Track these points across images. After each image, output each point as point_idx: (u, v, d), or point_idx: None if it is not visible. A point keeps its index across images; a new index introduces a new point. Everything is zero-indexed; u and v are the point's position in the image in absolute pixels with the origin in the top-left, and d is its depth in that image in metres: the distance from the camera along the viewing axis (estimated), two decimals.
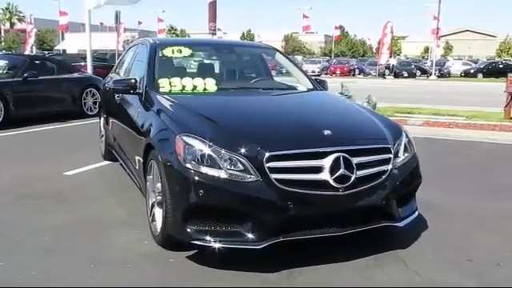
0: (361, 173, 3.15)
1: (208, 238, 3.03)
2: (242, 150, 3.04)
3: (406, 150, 3.57)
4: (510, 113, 10.87)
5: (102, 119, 6.20)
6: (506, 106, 10.96)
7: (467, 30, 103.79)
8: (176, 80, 4.24)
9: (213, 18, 30.16)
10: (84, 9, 12.62)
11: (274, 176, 2.98)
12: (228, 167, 3.02)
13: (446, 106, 14.01)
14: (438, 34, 39.46)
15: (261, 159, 3.00)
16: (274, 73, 5.82)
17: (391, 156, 3.35)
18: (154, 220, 3.56)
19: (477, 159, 6.91)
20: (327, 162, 3.05)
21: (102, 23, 57.73)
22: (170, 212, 3.16)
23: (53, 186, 5.02)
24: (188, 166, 3.06)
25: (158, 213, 3.45)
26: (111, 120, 5.53)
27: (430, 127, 9.50)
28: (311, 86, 4.79)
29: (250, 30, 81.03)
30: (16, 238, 3.62)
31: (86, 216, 4.15)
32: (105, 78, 6.65)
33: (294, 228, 3.09)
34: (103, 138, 6.18)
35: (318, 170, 3.06)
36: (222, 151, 3.05)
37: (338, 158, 3.07)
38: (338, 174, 3.05)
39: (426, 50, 79.25)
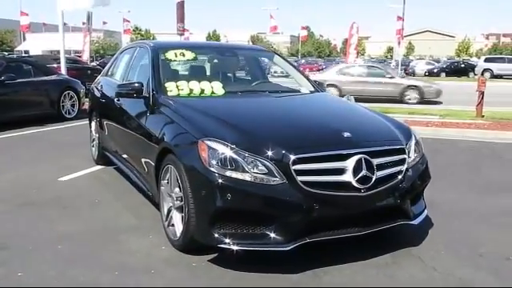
0: (380, 173, 3.24)
1: (234, 241, 3.04)
2: (266, 153, 3.07)
3: (415, 150, 3.68)
4: (482, 111, 11.31)
5: (94, 123, 6.07)
6: (478, 104, 11.38)
7: (427, 31, 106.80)
8: (183, 83, 4.21)
9: (181, 18, 29.84)
10: (57, 9, 12.27)
11: (300, 178, 3.03)
12: (253, 170, 3.05)
13: (418, 106, 14.43)
14: (402, 34, 40.38)
15: (286, 162, 3.04)
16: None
17: (406, 156, 3.46)
18: (171, 225, 3.54)
19: (461, 157, 7.16)
20: (350, 164, 3.12)
21: (65, 23, 56.34)
22: (194, 217, 3.15)
23: (51, 193, 4.88)
24: (213, 170, 3.07)
25: (177, 217, 3.43)
26: (107, 123, 5.43)
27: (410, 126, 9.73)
28: (313, 89, 4.86)
29: (215, 31, 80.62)
30: (28, 247, 3.51)
31: (94, 222, 4.07)
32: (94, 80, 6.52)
33: (319, 229, 3.14)
34: (95, 142, 6.06)
35: (341, 171, 3.12)
36: (246, 154, 3.08)
37: (360, 159, 3.15)
38: (360, 175, 3.13)
39: (389, 49, 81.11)
